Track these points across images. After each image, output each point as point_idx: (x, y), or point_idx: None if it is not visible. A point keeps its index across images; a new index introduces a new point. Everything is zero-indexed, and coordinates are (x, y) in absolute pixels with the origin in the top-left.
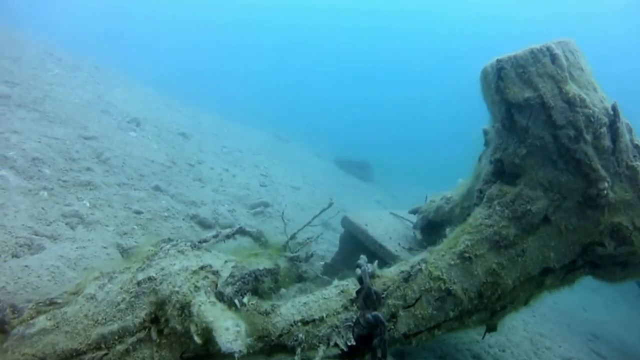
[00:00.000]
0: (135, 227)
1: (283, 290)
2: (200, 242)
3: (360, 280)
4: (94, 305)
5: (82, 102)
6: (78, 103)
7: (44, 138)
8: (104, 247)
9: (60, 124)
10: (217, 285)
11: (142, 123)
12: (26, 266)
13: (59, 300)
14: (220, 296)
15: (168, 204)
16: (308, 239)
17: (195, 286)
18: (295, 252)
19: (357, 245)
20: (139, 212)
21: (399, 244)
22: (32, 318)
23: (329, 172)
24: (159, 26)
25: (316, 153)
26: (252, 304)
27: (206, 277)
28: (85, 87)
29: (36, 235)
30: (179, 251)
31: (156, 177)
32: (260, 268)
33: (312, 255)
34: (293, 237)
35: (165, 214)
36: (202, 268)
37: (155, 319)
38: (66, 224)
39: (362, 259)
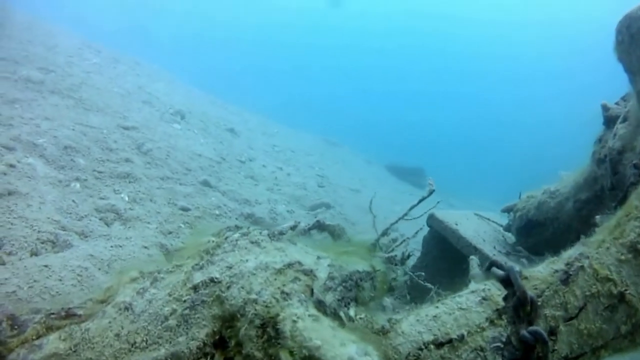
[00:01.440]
0: (182, 225)
1: (387, 300)
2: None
3: (506, 282)
4: (130, 319)
5: (122, 92)
6: (117, 92)
7: (78, 126)
8: (145, 247)
9: (97, 112)
10: (312, 290)
11: (186, 116)
12: (46, 266)
13: (79, 312)
14: (319, 306)
15: (219, 201)
16: (396, 243)
17: (283, 292)
18: (390, 252)
19: (445, 248)
20: (185, 209)
21: (494, 247)
22: (39, 336)
23: (382, 178)
24: (199, 25)
25: (366, 159)
26: (361, 318)
27: (297, 278)
28: (125, 78)
29: (63, 230)
30: (252, 242)
31: (204, 172)
32: (360, 270)
33: (409, 256)
34: (385, 233)
35: (216, 212)
36: (289, 266)
37: (220, 341)
38: (100, 219)
39: (474, 260)
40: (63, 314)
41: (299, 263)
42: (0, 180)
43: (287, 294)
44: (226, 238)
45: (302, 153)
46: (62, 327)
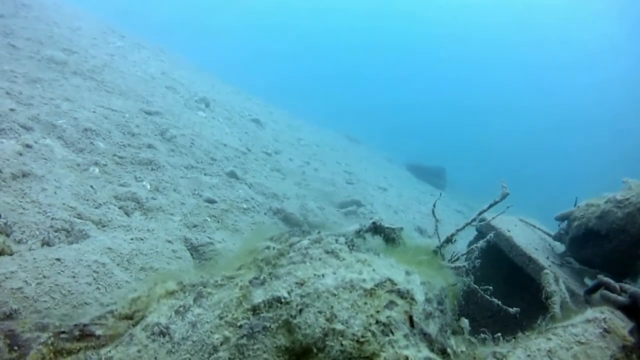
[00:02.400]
0: (208, 218)
1: (464, 321)
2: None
3: (630, 311)
4: (166, 348)
5: (145, 77)
6: (141, 76)
7: (99, 108)
8: (169, 242)
9: (120, 96)
10: (412, 318)
11: (211, 104)
12: (58, 259)
13: (98, 331)
14: (424, 339)
15: (246, 194)
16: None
17: (379, 322)
18: (454, 259)
19: (494, 256)
20: (211, 201)
21: (547, 258)
22: None
23: (404, 178)
24: (227, 18)
25: (387, 157)
26: (462, 351)
27: (392, 302)
28: (149, 63)
29: (79, 218)
30: (327, 252)
31: (230, 162)
32: (444, 286)
33: (475, 266)
34: (450, 240)
35: (244, 206)
36: (380, 285)
37: None
38: (120, 207)
39: (549, 275)
40: (77, 333)
41: (391, 281)
42: (15, 160)
43: (385, 324)
44: (291, 245)
45: (328, 148)
46: (75, 352)
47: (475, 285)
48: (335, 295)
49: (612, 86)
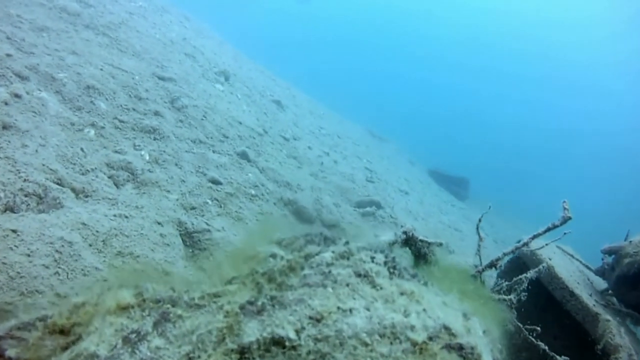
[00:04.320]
0: (209, 201)
1: None
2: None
3: None
4: None
5: (164, 40)
6: (158, 39)
7: (107, 66)
8: (158, 223)
9: (132, 56)
10: None
11: (231, 78)
12: (14, 231)
13: (10, 351)
14: None
15: (256, 178)
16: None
17: None
18: (498, 289)
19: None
20: (216, 182)
21: (591, 295)
22: None
23: (424, 183)
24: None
25: (409, 160)
26: None
27: None
28: (170, 27)
29: (58, 184)
30: (359, 274)
31: (243, 142)
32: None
33: (520, 300)
34: (494, 265)
35: (252, 192)
36: (435, 337)
37: None
38: (109, 177)
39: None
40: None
41: (448, 330)
42: None
43: None
44: (307, 257)
45: (350, 141)
46: None
47: (519, 324)
48: (367, 345)
49: None
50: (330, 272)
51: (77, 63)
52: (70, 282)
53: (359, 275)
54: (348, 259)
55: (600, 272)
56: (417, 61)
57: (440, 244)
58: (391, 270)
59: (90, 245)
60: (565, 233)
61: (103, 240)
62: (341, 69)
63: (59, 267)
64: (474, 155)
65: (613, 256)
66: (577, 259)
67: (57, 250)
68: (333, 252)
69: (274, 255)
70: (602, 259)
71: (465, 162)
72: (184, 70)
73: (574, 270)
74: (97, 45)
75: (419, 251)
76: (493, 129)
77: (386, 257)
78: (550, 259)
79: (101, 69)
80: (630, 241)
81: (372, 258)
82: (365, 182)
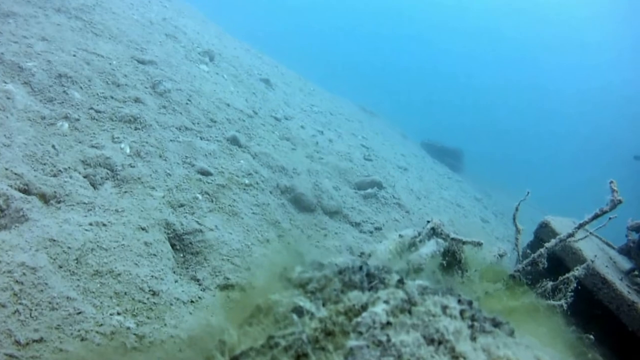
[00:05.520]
0: (199, 196)
1: None
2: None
3: None
4: None
5: (143, 21)
6: (137, 20)
7: (81, 52)
8: (142, 229)
9: (109, 40)
10: None
11: (216, 58)
12: None
13: None
14: None
15: (249, 165)
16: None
17: None
18: (544, 290)
19: (555, 270)
20: (205, 173)
21: (621, 279)
22: None
23: (419, 156)
24: None
25: (402, 133)
26: None
27: None
28: (149, 7)
29: (23, 190)
30: (432, 340)
31: (232, 126)
32: None
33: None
34: (537, 263)
35: (246, 181)
36: None
37: None
38: (85, 176)
39: None
40: None
41: None
42: None
43: None
44: (347, 312)
45: (342, 118)
46: None
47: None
48: None
49: None
50: (389, 340)
51: (47, 50)
52: (35, 322)
53: (432, 341)
54: (410, 312)
55: (625, 251)
56: (401, 25)
57: (480, 244)
58: (471, 323)
59: (61, 267)
60: (610, 218)
61: (76, 259)
62: (324, 43)
63: (19, 304)
64: (464, 123)
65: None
66: (595, 235)
67: (17, 281)
68: (387, 302)
69: (298, 310)
70: (627, 236)
71: (456, 132)
72: (166, 52)
73: (596, 250)
74: (70, 30)
75: (451, 253)
76: (480, 94)
77: (460, 301)
78: (576, 241)
79: (74, 55)
80: None
81: (444, 308)
82: (363, 161)
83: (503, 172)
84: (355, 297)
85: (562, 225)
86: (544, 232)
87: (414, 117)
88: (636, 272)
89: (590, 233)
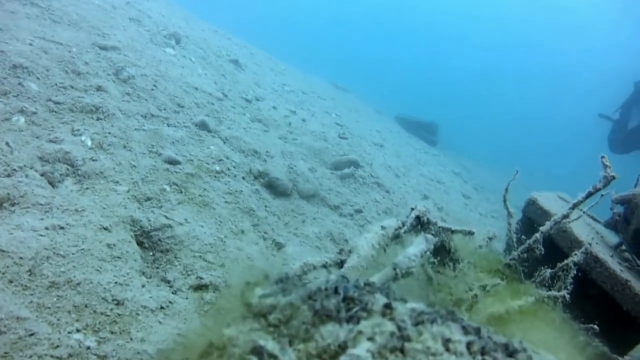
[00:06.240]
0: (167, 187)
1: None
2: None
3: None
4: None
5: (105, 6)
6: (98, 5)
7: (39, 40)
8: (104, 229)
9: (69, 26)
10: None
11: (183, 41)
12: None
13: None
14: None
15: (220, 151)
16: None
17: None
18: (542, 279)
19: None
20: (173, 162)
21: (612, 257)
22: None
23: (394, 132)
24: None
25: (376, 109)
26: None
27: None
28: None
29: None
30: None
31: (201, 110)
32: None
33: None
34: (533, 249)
35: (217, 168)
36: None
37: None
38: (42, 174)
39: None
40: None
41: None
42: None
43: None
44: (321, 356)
45: (315, 96)
46: None
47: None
48: None
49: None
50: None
51: (1, 39)
52: None
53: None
54: (403, 351)
55: (612, 225)
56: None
57: (472, 233)
58: (482, 359)
59: (11, 282)
60: (602, 195)
61: (29, 270)
62: (295, 21)
63: None
64: (436, 97)
65: (624, 207)
66: (582, 211)
67: None
68: (372, 339)
69: (258, 352)
70: (612, 209)
71: (429, 106)
72: (129, 37)
73: (583, 225)
74: (25, 17)
75: (441, 245)
76: (453, 70)
77: (465, 329)
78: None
79: (30, 44)
80: None
81: (446, 342)
82: (338, 139)
83: (479, 145)
84: (330, 332)
85: (548, 201)
86: (531, 209)
87: (387, 93)
88: (623, 247)
89: (584, 212)
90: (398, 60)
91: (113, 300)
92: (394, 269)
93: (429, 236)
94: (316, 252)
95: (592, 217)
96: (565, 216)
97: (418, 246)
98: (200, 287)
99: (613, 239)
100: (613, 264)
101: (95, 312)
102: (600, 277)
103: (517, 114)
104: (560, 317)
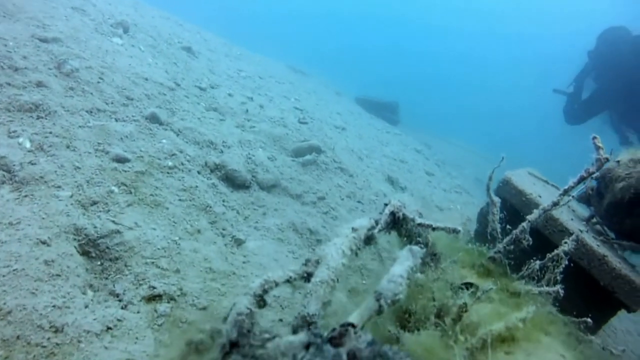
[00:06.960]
0: (115, 188)
1: None
2: None
3: None
4: None
5: None
6: None
7: None
8: (43, 243)
9: (4, 18)
10: None
11: (131, 29)
12: None
13: None
14: None
15: (172, 144)
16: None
17: None
18: (531, 271)
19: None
20: (122, 160)
21: (587, 231)
22: None
23: (355, 113)
24: None
25: (335, 90)
26: None
27: None
28: None
29: None
30: None
31: (152, 102)
32: None
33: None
34: (520, 240)
35: (169, 163)
36: None
37: None
38: None
39: None
40: None
41: None
42: None
43: None
44: None
45: (272, 80)
46: None
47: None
48: None
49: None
50: None
51: None
52: None
53: None
54: None
55: (585, 199)
56: None
57: (458, 231)
58: None
59: None
60: (593, 178)
61: None
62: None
63: None
64: (397, 77)
65: (598, 181)
66: (551, 184)
67: None
68: None
69: None
70: (586, 185)
71: (390, 86)
72: (72, 27)
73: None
74: None
75: (409, 234)
76: (416, 55)
77: None
78: (540, 197)
79: None
80: (618, 161)
81: None
82: (298, 125)
83: (439, 121)
84: None
85: (522, 180)
86: (505, 190)
87: (347, 75)
88: (594, 220)
89: (573, 197)
90: (360, 46)
91: (51, 327)
92: (377, 300)
93: (415, 248)
94: (278, 245)
95: (557, 188)
96: (556, 203)
97: (403, 263)
98: (153, 298)
99: (586, 213)
100: (589, 239)
101: (29, 343)
102: (578, 253)
103: (494, 101)
104: (562, 320)
